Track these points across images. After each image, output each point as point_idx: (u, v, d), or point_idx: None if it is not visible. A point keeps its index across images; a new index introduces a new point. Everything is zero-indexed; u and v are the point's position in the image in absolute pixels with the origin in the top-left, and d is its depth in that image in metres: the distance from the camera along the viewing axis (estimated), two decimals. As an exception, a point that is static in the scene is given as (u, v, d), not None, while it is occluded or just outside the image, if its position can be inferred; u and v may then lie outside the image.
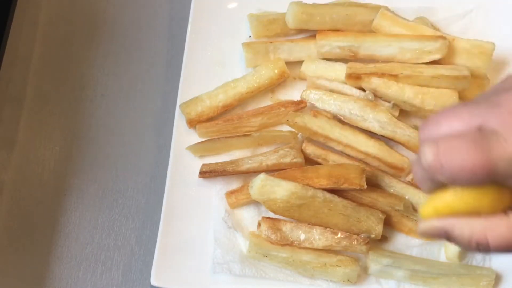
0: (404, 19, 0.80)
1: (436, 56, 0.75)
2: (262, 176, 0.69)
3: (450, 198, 0.48)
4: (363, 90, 0.76)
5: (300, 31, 0.82)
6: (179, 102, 0.78)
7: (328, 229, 0.69)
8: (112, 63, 0.85)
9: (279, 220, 0.70)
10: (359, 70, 0.75)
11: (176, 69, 0.81)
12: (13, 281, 0.73)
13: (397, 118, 0.75)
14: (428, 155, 0.45)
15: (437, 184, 0.47)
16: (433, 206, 0.49)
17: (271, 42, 0.80)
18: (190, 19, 0.82)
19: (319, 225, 0.69)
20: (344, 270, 0.68)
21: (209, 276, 0.70)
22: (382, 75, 0.74)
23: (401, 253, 0.72)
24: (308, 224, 0.70)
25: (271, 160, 0.73)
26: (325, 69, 0.78)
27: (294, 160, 0.73)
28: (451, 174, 0.44)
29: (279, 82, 0.79)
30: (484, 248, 0.47)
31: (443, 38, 0.75)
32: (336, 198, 0.69)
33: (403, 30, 0.78)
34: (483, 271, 0.69)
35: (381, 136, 0.74)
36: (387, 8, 0.80)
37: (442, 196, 0.48)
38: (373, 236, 0.69)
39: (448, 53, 0.76)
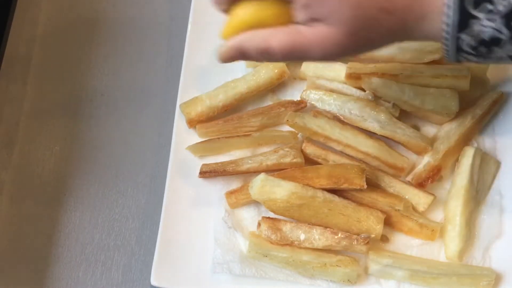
0: (404, 19, 0.80)
1: (436, 56, 0.75)
2: (262, 176, 0.69)
3: (240, 11, 0.57)
4: (363, 90, 0.76)
5: (300, 31, 0.82)
6: (179, 102, 0.78)
7: (328, 229, 0.69)
8: (112, 63, 0.85)
9: (279, 220, 0.70)
10: (359, 70, 0.75)
11: (176, 69, 0.81)
12: (13, 281, 0.73)
13: (397, 118, 0.75)
14: None
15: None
16: (228, 25, 0.58)
17: (271, 42, 0.80)
18: (190, 19, 0.82)
19: (319, 225, 0.69)
20: (344, 270, 0.68)
21: (209, 276, 0.70)
22: (382, 75, 0.74)
23: (401, 253, 0.72)
24: (308, 224, 0.70)
25: (271, 160, 0.73)
26: (325, 69, 0.78)
27: (294, 160, 0.73)
28: None
29: (279, 82, 0.79)
30: (270, 54, 0.54)
31: (443, 38, 0.75)
32: (336, 198, 0.69)
33: (403, 30, 0.78)
34: (483, 271, 0.69)
35: (381, 136, 0.74)
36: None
37: (234, 13, 0.57)
38: (373, 236, 0.69)
39: (448, 53, 0.76)
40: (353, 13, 0.49)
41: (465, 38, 0.47)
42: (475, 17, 0.45)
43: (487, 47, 0.48)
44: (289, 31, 0.53)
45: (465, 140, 0.76)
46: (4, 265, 0.73)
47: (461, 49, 0.48)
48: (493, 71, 0.79)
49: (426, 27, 0.49)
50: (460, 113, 0.76)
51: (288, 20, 0.55)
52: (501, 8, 0.45)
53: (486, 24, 0.45)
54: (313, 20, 0.52)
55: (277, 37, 0.53)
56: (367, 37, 0.51)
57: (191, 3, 0.83)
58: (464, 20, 0.46)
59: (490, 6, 0.45)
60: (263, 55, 0.54)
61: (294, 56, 0.54)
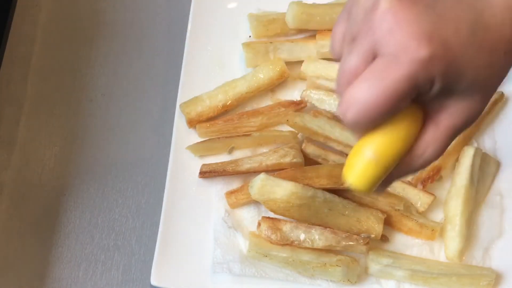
0: (404, 19, 0.80)
1: (436, 56, 0.75)
2: (262, 176, 0.69)
3: (375, 154, 0.43)
4: (363, 90, 0.76)
5: (300, 31, 0.82)
6: (179, 102, 0.78)
7: (328, 229, 0.69)
8: (112, 63, 0.85)
9: (279, 220, 0.70)
10: (359, 70, 0.75)
11: (176, 69, 0.81)
12: (13, 281, 0.73)
13: (397, 118, 0.75)
14: (338, 109, 0.43)
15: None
16: (363, 174, 0.44)
17: (271, 42, 0.80)
18: (190, 19, 0.82)
19: (319, 225, 0.69)
20: (344, 270, 0.68)
21: (209, 276, 0.70)
22: (382, 75, 0.74)
23: (401, 253, 0.72)
24: (308, 224, 0.70)
25: (271, 160, 0.73)
26: (325, 69, 0.78)
27: (294, 160, 0.73)
28: (361, 116, 0.42)
29: (279, 82, 0.79)
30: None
31: (443, 38, 0.75)
32: (336, 198, 0.69)
33: (403, 30, 0.78)
34: (483, 271, 0.69)
35: (381, 136, 0.74)
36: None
37: (365, 157, 0.44)
38: (373, 236, 0.69)
39: (448, 53, 0.76)
40: (488, 73, 0.44)
41: None
42: None
43: None
44: (433, 138, 0.45)
45: (465, 140, 0.76)
46: (4, 265, 0.73)
47: None
48: (493, 71, 0.79)
49: None
50: (460, 113, 0.76)
51: (418, 121, 0.45)
52: None
53: None
54: (443, 99, 0.44)
55: (428, 153, 0.46)
56: (496, 86, 0.47)
57: (191, 3, 0.83)
58: None
59: None
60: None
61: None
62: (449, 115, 0.45)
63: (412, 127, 0.44)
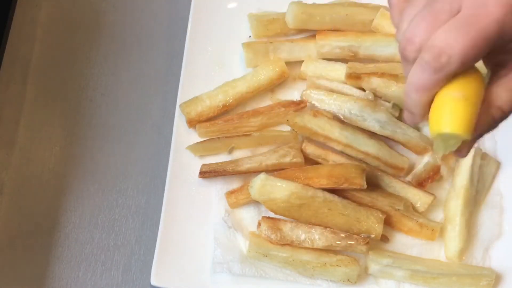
0: (404, 19, 0.80)
1: (436, 56, 0.75)
2: (262, 176, 0.69)
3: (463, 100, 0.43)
4: (363, 90, 0.76)
5: (300, 31, 0.82)
6: (179, 102, 0.78)
7: (328, 229, 0.69)
8: (112, 63, 0.85)
9: (279, 220, 0.70)
10: (359, 70, 0.75)
11: (176, 69, 0.81)
12: (13, 281, 0.73)
13: (397, 118, 0.75)
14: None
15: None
16: (462, 118, 0.44)
17: (271, 42, 0.80)
18: (190, 19, 0.82)
19: (319, 225, 0.69)
20: (344, 270, 0.68)
21: (209, 276, 0.70)
22: (382, 75, 0.74)
23: (401, 253, 0.72)
24: (308, 224, 0.70)
25: (271, 160, 0.73)
26: (325, 69, 0.78)
27: (294, 160, 0.73)
28: (455, 60, 0.43)
29: (279, 82, 0.79)
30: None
31: (443, 38, 0.75)
32: (336, 198, 0.69)
33: (403, 30, 0.78)
34: (483, 271, 0.69)
35: (381, 136, 0.75)
36: (387, 8, 0.80)
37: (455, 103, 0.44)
38: (373, 236, 0.69)
39: (448, 53, 0.76)
40: None
41: None
42: None
43: None
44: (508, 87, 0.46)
45: (465, 140, 0.76)
46: (4, 264, 0.73)
47: None
48: (493, 71, 0.79)
49: None
50: (460, 113, 0.76)
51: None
52: None
53: None
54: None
55: (504, 100, 0.46)
56: None
57: (191, 3, 0.83)
58: None
59: None
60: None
61: None
62: None
63: (481, 76, 0.45)
